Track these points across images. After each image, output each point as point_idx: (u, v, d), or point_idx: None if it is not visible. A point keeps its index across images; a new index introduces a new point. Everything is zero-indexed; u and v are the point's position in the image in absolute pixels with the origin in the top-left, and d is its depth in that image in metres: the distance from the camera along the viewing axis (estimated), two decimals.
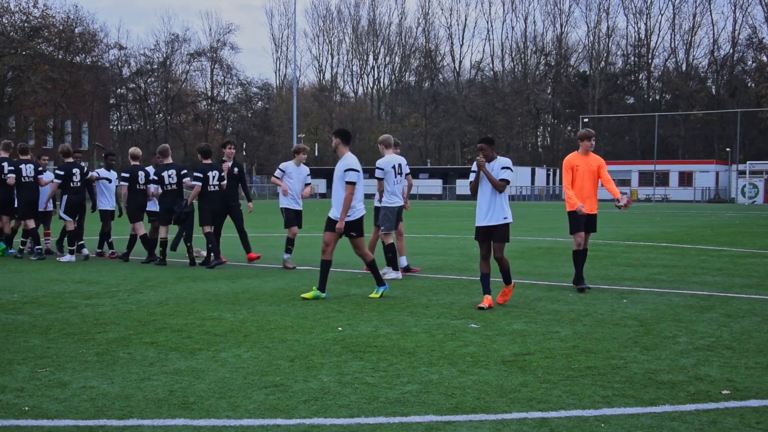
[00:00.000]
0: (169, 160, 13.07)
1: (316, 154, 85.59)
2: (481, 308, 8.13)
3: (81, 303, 8.41)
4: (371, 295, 8.97)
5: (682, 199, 67.61)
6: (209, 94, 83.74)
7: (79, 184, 13.43)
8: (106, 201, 13.92)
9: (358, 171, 8.96)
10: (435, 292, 9.46)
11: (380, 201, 11.00)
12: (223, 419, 4.39)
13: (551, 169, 78.63)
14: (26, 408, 4.57)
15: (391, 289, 9.71)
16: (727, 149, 75.47)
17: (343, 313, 7.86)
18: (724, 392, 5.00)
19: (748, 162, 65.55)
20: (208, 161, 12.54)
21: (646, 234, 21.24)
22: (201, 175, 12.32)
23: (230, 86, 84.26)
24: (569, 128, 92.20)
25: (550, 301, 8.79)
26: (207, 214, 12.40)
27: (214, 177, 12.41)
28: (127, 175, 13.35)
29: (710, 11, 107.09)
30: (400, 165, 11.13)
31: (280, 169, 12.37)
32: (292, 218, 12.24)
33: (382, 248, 10.97)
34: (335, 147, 9.16)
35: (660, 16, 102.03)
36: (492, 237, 8.39)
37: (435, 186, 74.63)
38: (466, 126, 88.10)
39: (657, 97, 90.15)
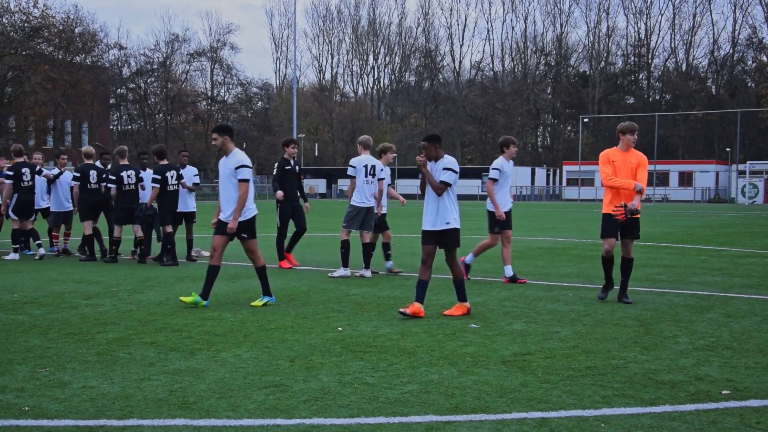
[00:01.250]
0: (126, 161, 13.41)
1: (316, 153, 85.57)
2: (403, 313, 7.50)
3: (81, 303, 8.41)
4: (253, 303, 8.28)
5: (682, 199, 67.59)
6: (209, 94, 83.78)
7: (29, 183, 13.61)
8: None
9: (250, 167, 8.36)
10: (435, 292, 9.46)
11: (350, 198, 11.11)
12: (223, 419, 4.38)
13: (551, 169, 78.59)
14: (26, 408, 4.57)
15: (391, 289, 9.71)
16: (727, 149, 75.44)
17: (343, 313, 7.86)
18: (724, 392, 5.00)
19: (748, 162, 65.53)
20: (164, 162, 12.85)
21: (646, 234, 21.21)
22: (159, 177, 12.56)
23: (230, 86, 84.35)
24: (569, 128, 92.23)
25: (550, 301, 8.79)
26: (167, 214, 12.67)
27: (172, 177, 12.73)
28: (78, 174, 13.43)
29: (710, 11, 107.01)
30: (373, 167, 11.15)
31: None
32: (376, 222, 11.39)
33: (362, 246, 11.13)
34: (221, 145, 8.35)
35: (660, 16, 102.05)
36: (439, 243, 7.89)
37: None
38: (466, 126, 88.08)
39: (657, 97, 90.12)
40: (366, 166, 11.11)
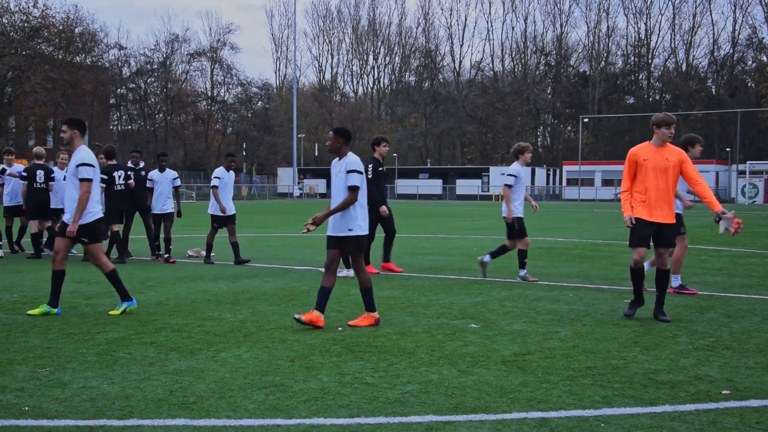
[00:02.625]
0: (114, 161, 13.63)
1: (316, 153, 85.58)
2: (298, 320, 6.98)
3: (81, 303, 8.41)
4: (111, 312, 7.72)
5: None
6: (209, 94, 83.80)
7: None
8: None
9: (94, 166, 7.61)
10: (435, 292, 9.46)
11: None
12: (223, 419, 4.38)
13: (551, 169, 78.61)
14: (26, 408, 4.57)
15: (391, 288, 9.71)
16: (727, 149, 75.47)
17: (343, 313, 7.86)
18: (724, 392, 5.00)
19: (748, 162, 65.56)
20: (113, 162, 13.17)
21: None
22: (105, 177, 12.82)
23: (230, 86, 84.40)
24: (569, 128, 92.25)
25: (550, 301, 8.79)
26: (114, 213, 12.96)
27: (119, 177, 13.03)
28: (25, 174, 13.75)
29: (710, 11, 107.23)
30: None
31: (511, 175, 10.89)
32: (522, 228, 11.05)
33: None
34: (69, 138, 7.69)
35: (660, 16, 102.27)
36: (341, 248, 7.28)
37: (435, 186, 74.64)
38: (466, 126, 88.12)
39: (657, 97, 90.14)
40: None
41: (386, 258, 11.70)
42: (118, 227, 13.03)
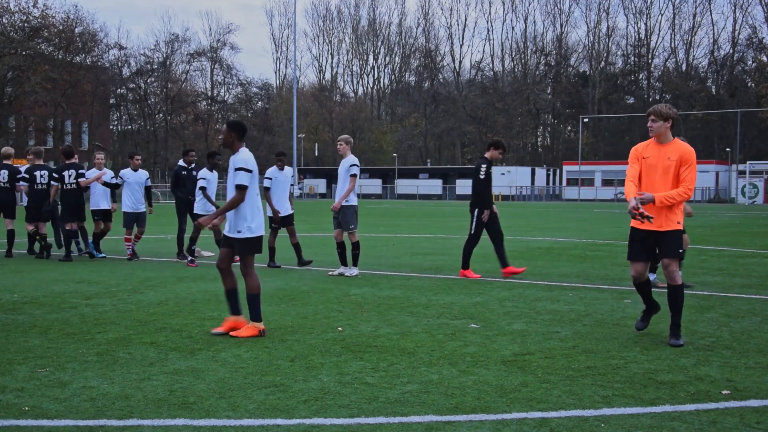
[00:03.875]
0: (40, 162, 13.95)
1: (316, 153, 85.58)
2: (217, 334, 6.70)
3: (81, 303, 8.41)
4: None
5: None
6: (209, 94, 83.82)
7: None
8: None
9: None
10: (435, 292, 9.46)
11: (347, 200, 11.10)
12: (223, 419, 4.38)
13: (551, 169, 78.64)
14: (26, 408, 4.57)
15: (391, 289, 9.71)
16: (727, 149, 75.48)
17: (343, 313, 7.86)
18: (724, 392, 5.00)
19: (748, 162, 65.58)
20: (71, 161, 13.36)
21: None
22: (57, 175, 13.12)
23: (230, 86, 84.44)
24: (569, 128, 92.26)
25: (550, 301, 8.79)
26: (65, 212, 13.17)
27: (70, 176, 13.17)
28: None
29: (710, 11, 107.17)
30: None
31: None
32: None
33: (351, 245, 11.19)
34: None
35: (660, 16, 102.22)
36: (232, 248, 6.98)
37: (435, 186, 74.65)
38: (466, 126, 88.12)
39: (657, 97, 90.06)
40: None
41: (503, 262, 11.02)
42: (70, 225, 13.22)
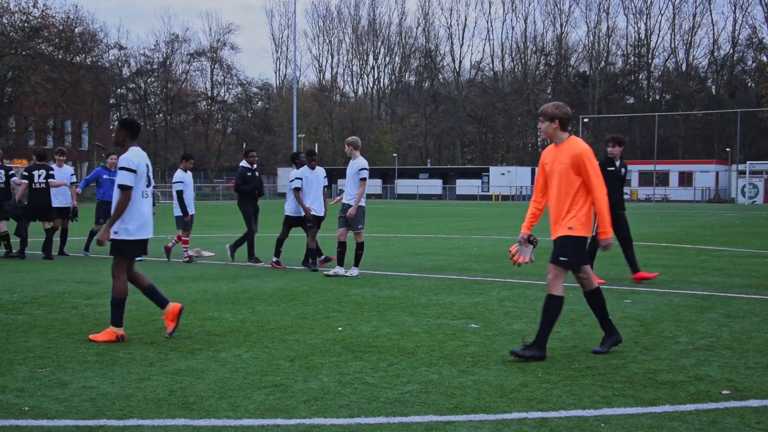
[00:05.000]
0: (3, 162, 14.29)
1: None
2: (93, 340, 6.43)
3: (81, 303, 8.41)
4: None
5: (682, 199, 67.61)
6: (209, 94, 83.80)
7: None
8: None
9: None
10: (435, 292, 9.46)
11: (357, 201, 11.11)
12: (223, 419, 4.38)
13: None
14: (26, 408, 4.57)
15: (391, 289, 9.71)
16: (727, 149, 75.46)
17: (343, 313, 7.86)
18: (724, 392, 5.00)
19: (748, 162, 65.54)
20: (42, 162, 13.56)
21: (646, 234, 21.23)
22: (27, 174, 13.33)
23: (230, 86, 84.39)
24: (569, 128, 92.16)
25: None
26: (28, 210, 13.43)
27: (40, 176, 13.35)
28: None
29: (710, 11, 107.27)
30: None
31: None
32: None
33: (355, 246, 11.22)
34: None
35: (660, 16, 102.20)
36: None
37: (435, 186, 74.63)
38: (466, 126, 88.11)
39: (657, 97, 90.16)
40: None
41: (633, 267, 10.52)
42: (49, 225, 13.40)
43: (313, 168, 12.25)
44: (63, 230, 14.25)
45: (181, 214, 13.10)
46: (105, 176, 14.06)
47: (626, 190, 71.79)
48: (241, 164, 13.36)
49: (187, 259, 13.04)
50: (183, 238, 13.27)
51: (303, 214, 12.13)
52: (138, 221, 6.56)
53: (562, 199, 5.96)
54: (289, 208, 12.40)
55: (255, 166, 13.38)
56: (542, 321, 5.97)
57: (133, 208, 6.53)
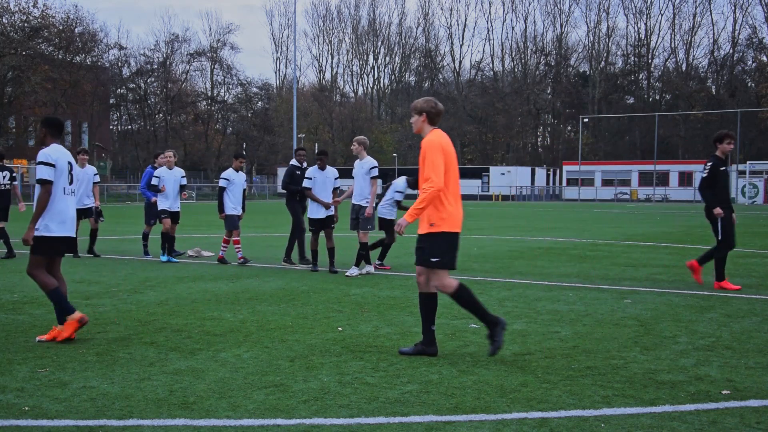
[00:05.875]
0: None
1: (316, 153, 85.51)
2: (41, 341, 6.36)
3: (81, 303, 8.40)
4: None
5: (682, 199, 67.61)
6: (209, 94, 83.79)
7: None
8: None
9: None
10: None
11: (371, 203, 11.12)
12: (223, 419, 4.38)
13: (551, 169, 78.64)
14: (26, 408, 4.57)
15: (391, 289, 9.71)
16: None
17: (343, 313, 7.86)
18: (724, 392, 5.00)
19: (748, 162, 65.56)
20: (2, 163, 13.54)
21: (646, 234, 21.24)
22: None
23: (230, 86, 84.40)
24: (569, 128, 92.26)
25: (550, 301, 8.79)
26: None
27: (4, 177, 13.31)
28: None
29: (710, 11, 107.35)
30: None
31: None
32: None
33: (360, 246, 11.29)
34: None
35: (660, 16, 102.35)
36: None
37: None
38: (466, 126, 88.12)
39: (657, 97, 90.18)
40: None
41: (719, 275, 10.15)
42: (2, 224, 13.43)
43: (323, 168, 11.99)
44: (92, 231, 14.12)
45: (231, 214, 12.84)
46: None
47: (626, 189, 72.16)
48: (291, 162, 13.11)
49: (241, 260, 12.61)
50: (226, 238, 13.01)
51: (322, 216, 11.71)
52: (59, 218, 6.46)
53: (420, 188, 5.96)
54: (310, 210, 11.96)
55: (305, 164, 13.25)
56: (476, 315, 6.09)
57: (54, 205, 6.44)
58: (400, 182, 12.36)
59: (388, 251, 12.35)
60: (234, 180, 12.97)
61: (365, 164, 11.18)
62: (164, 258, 12.99)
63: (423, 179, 5.90)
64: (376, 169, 11.18)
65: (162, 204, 13.24)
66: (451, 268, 6.06)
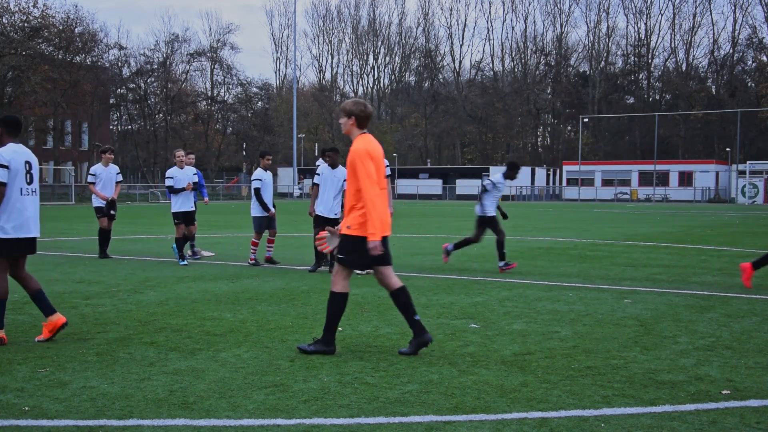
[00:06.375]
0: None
1: (316, 153, 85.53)
2: (39, 341, 6.40)
3: (81, 303, 8.41)
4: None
5: (682, 199, 67.62)
6: (209, 94, 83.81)
7: None
8: None
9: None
10: (435, 292, 9.46)
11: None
12: (223, 419, 4.38)
13: (551, 169, 78.67)
14: (26, 408, 4.57)
15: None
16: (727, 149, 75.48)
17: (343, 313, 7.84)
18: (724, 392, 5.00)
19: (748, 162, 65.59)
20: None
21: (646, 234, 21.24)
22: None
23: (230, 86, 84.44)
24: (569, 128, 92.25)
25: (550, 301, 8.79)
26: None
27: None
28: None
29: (710, 11, 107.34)
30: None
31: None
32: None
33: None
34: None
35: (660, 16, 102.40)
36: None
37: (435, 186, 74.69)
38: (466, 126, 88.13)
39: (657, 97, 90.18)
40: None
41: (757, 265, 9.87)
42: None
43: (334, 167, 11.48)
44: (103, 231, 13.52)
45: (257, 215, 12.62)
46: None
47: (626, 189, 72.14)
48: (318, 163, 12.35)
49: (252, 261, 12.42)
50: (255, 240, 12.66)
51: (333, 215, 11.41)
52: (17, 220, 6.32)
53: (350, 197, 6.05)
54: (319, 208, 11.62)
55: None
56: (326, 317, 6.14)
57: (9, 206, 6.29)
58: (498, 178, 12.03)
59: (504, 248, 11.92)
60: (266, 179, 12.69)
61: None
62: (182, 262, 12.41)
63: (354, 188, 5.96)
64: (387, 168, 11.11)
65: (174, 206, 12.78)
66: (352, 268, 6.21)
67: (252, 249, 12.70)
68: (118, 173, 13.81)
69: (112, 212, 13.61)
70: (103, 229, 13.55)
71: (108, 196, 13.48)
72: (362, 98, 6.41)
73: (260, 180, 12.65)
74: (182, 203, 12.81)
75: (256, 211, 12.74)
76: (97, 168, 13.63)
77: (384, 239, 6.01)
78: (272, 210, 12.83)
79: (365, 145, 6.00)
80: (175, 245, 12.79)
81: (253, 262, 12.48)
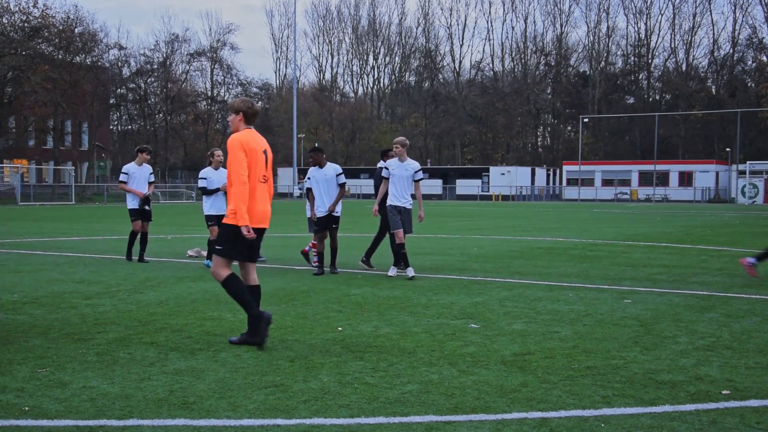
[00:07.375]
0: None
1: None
2: None
3: (81, 303, 8.41)
4: None
5: (682, 199, 67.62)
6: (209, 94, 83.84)
7: None
8: None
9: None
10: (435, 292, 9.46)
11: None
12: (223, 419, 4.38)
13: (551, 169, 78.69)
14: (26, 408, 4.57)
15: (391, 289, 9.71)
16: (727, 149, 75.48)
17: (343, 313, 7.86)
18: (724, 392, 5.00)
19: (748, 162, 65.60)
20: None
21: (646, 234, 21.24)
22: None
23: (230, 86, 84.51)
24: (569, 128, 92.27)
25: (550, 301, 8.79)
26: None
27: None
28: None
29: (710, 11, 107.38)
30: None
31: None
32: None
33: (395, 246, 11.22)
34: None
35: (660, 16, 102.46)
36: None
37: (435, 186, 74.70)
38: (466, 126, 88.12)
39: (657, 97, 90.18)
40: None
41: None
42: None
43: (321, 166, 11.64)
44: (143, 234, 13.19)
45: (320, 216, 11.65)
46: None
47: (626, 189, 72.13)
48: (379, 164, 12.00)
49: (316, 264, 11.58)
50: (314, 242, 11.92)
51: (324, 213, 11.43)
52: None
53: (227, 186, 6.30)
54: (317, 210, 11.59)
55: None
56: (237, 302, 6.40)
57: None
58: None
59: None
60: (315, 177, 11.92)
61: (410, 166, 11.12)
62: (207, 262, 12.11)
63: (228, 177, 6.22)
64: (421, 172, 11.21)
65: (206, 209, 12.45)
66: (231, 258, 6.50)
67: (314, 251, 11.88)
68: (151, 173, 13.42)
69: (146, 207, 13.24)
70: (134, 232, 13.18)
71: (143, 192, 13.17)
72: (249, 98, 6.57)
73: (310, 179, 12.01)
74: (217, 206, 12.31)
75: (310, 211, 12.07)
76: (131, 167, 13.32)
77: (259, 233, 6.33)
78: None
79: (241, 137, 6.26)
80: (208, 260, 12.19)
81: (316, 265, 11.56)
